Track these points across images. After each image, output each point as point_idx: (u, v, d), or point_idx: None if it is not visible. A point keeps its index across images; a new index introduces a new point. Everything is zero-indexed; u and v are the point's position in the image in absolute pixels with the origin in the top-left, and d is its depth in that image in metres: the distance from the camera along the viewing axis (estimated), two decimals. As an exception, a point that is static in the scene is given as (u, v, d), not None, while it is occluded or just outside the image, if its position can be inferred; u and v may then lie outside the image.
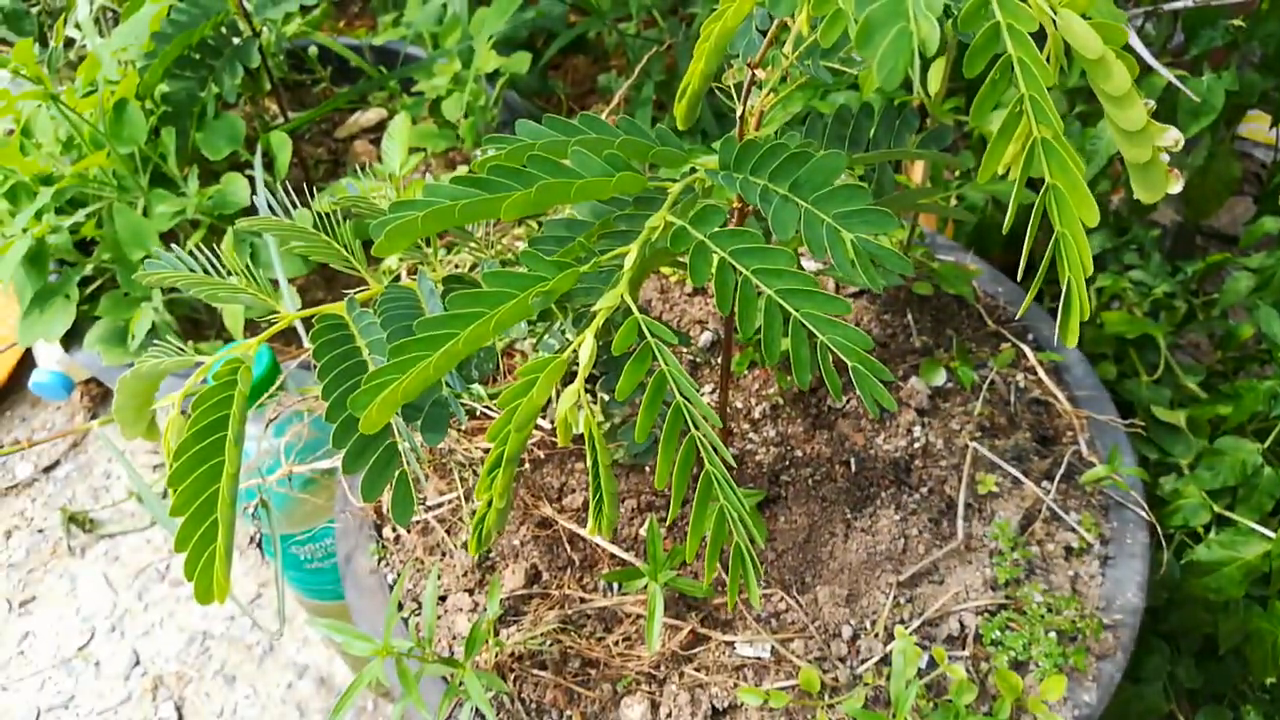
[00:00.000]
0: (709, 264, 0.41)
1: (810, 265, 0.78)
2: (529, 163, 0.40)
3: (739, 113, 0.46)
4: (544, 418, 0.69)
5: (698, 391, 0.41)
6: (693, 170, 0.44)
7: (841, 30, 0.33)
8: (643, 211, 0.43)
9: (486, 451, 0.69)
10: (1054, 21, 0.34)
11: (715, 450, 0.41)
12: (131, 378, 0.50)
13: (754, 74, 0.45)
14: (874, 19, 0.32)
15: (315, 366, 0.47)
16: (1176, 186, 0.38)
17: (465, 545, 0.65)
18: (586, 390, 0.61)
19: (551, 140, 0.43)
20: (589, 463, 0.41)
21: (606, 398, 0.54)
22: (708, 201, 0.43)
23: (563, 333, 0.53)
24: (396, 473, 0.47)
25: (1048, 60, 0.35)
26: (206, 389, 0.46)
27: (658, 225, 0.42)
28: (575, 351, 0.40)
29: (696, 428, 0.40)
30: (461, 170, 1.07)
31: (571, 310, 0.51)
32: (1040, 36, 0.35)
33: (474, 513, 0.66)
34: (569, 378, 0.40)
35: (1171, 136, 0.36)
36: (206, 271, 0.54)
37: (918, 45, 0.31)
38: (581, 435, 0.42)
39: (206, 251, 0.55)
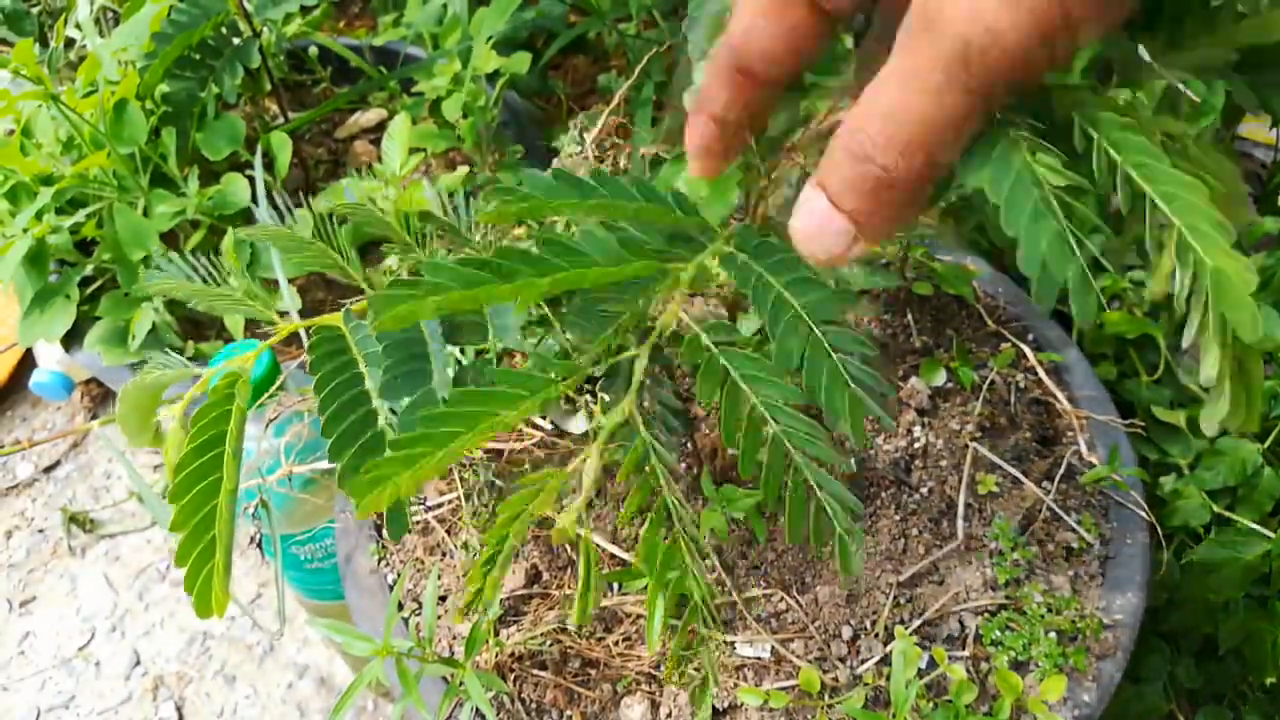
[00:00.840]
0: (717, 382, 0.39)
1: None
2: (541, 245, 0.39)
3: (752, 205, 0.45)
4: (543, 417, 0.69)
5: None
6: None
7: None
8: (645, 287, 0.42)
9: (487, 452, 0.69)
10: None
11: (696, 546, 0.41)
12: (134, 389, 0.50)
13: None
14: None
15: (313, 378, 0.47)
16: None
17: (465, 545, 0.65)
18: (588, 392, 0.61)
19: (563, 197, 0.41)
20: (580, 568, 0.41)
21: (608, 398, 0.54)
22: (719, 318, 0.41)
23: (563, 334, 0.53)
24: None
25: None
26: (204, 404, 0.46)
27: (669, 324, 0.40)
28: (579, 470, 0.40)
29: (692, 557, 0.41)
30: (462, 170, 1.07)
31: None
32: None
33: (474, 513, 0.66)
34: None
35: None
36: (206, 280, 0.54)
37: None
38: (587, 432, 0.42)
39: (206, 261, 0.55)
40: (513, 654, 0.59)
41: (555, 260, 0.39)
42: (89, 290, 1.01)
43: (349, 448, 0.46)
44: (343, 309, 0.51)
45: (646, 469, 0.40)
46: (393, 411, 0.47)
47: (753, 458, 0.40)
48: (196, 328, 1.02)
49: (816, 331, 0.38)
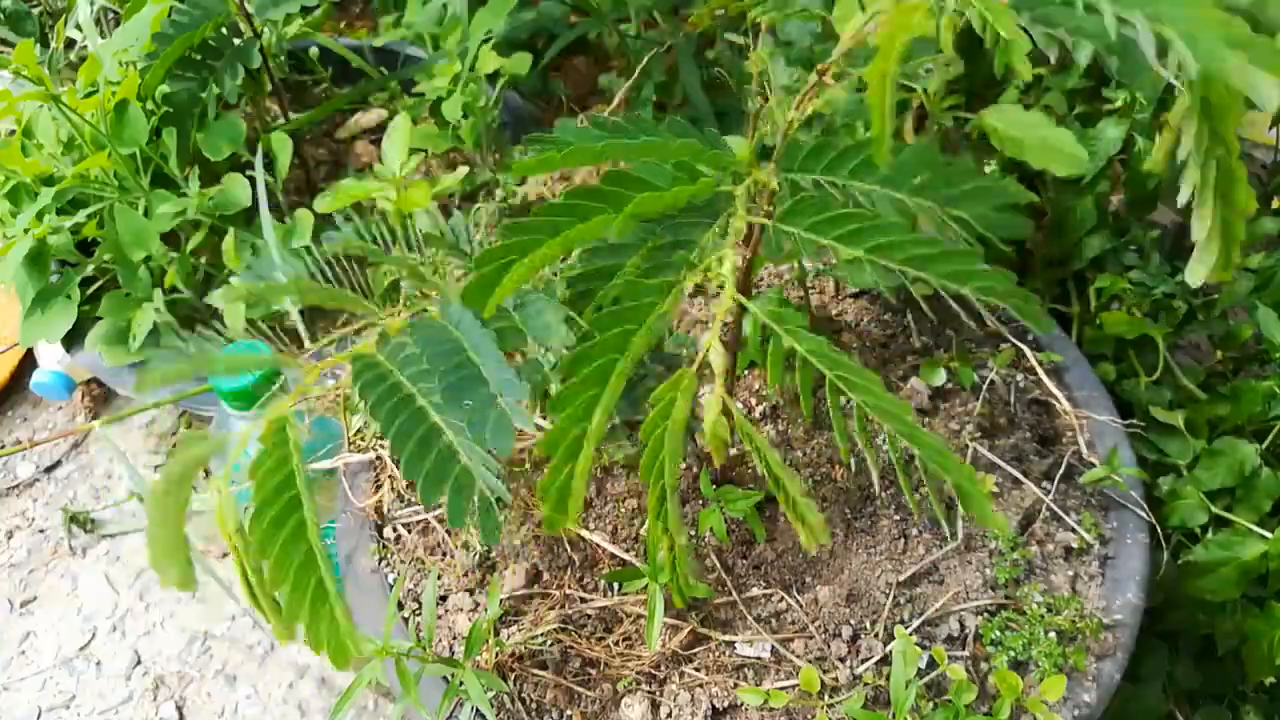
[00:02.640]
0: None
1: (807, 264, 0.78)
2: (608, 180, 0.39)
3: (753, 112, 0.45)
4: (542, 417, 0.69)
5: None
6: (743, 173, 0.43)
7: None
8: (692, 220, 0.43)
9: (486, 452, 0.69)
10: None
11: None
12: (161, 488, 0.41)
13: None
14: None
15: (364, 406, 0.47)
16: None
17: (465, 545, 0.65)
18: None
19: (610, 144, 0.41)
20: (761, 466, 0.40)
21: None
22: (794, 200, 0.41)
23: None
24: (477, 496, 0.46)
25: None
26: (261, 453, 0.44)
27: (741, 227, 0.41)
28: (706, 359, 0.39)
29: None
30: (462, 171, 1.07)
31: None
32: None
33: (474, 513, 0.66)
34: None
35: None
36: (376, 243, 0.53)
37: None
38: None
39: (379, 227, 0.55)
40: (513, 654, 0.59)
41: (628, 191, 0.39)
42: (90, 290, 1.01)
43: (420, 460, 0.46)
44: (378, 337, 0.50)
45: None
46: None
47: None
48: (197, 328, 1.02)
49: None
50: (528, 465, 0.67)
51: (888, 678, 0.56)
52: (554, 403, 0.41)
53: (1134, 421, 0.73)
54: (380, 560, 0.66)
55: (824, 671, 0.57)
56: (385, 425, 0.46)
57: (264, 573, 0.40)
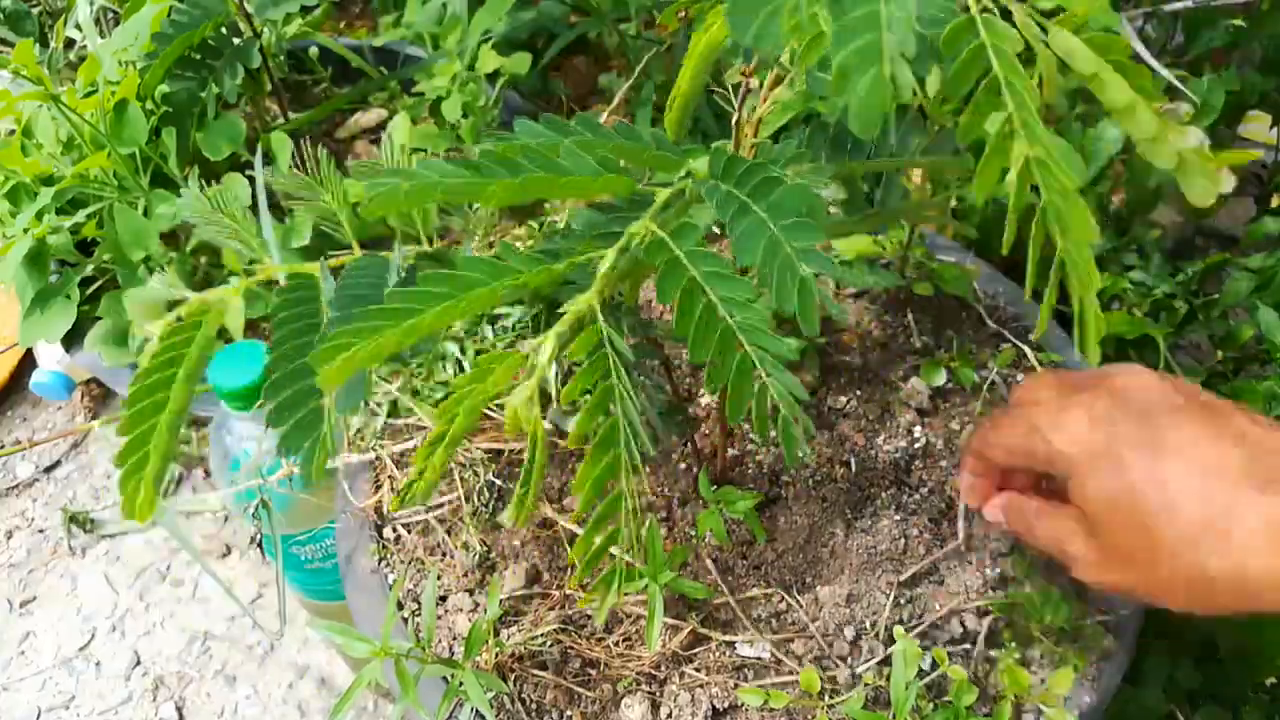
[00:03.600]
0: (679, 282, 0.40)
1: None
2: (522, 155, 0.40)
3: (734, 119, 0.46)
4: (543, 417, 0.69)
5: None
6: (687, 175, 0.44)
7: (820, 53, 0.33)
8: (635, 214, 0.43)
9: (487, 452, 0.69)
10: (1044, 41, 0.34)
11: (634, 473, 0.41)
12: (141, 294, 0.52)
13: (748, 82, 0.45)
14: (848, 64, 0.32)
15: (273, 320, 0.49)
16: (1228, 185, 0.37)
17: (465, 545, 0.65)
18: (586, 392, 0.61)
19: (547, 140, 0.43)
20: (527, 458, 0.41)
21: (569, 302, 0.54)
22: (693, 218, 0.42)
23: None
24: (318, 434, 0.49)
25: (1040, 79, 0.35)
26: (173, 326, 0.48)
27: (638, 232, 0.41)
28: (535, 350, 0.40)
29: (625, 447, 0.41)
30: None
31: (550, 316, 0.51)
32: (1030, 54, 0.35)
33: (474, 513, 0.66)
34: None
35: (1193, 138, 0.36)
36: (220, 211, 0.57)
37: (892, 90, 0.31)
38: (585, 435, 0.42)
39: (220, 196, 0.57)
40: (513, 654, 0.59)
41: (531, 167, 0.40)
42: (89, 290, 1.01)
43: (288, 387, 0.48)
44: (320, 258, 0.52)
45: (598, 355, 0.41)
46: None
47: (706, 350, 0.40)
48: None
49: (776, 231, 0.40)
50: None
51: (888, 678, 0.56)
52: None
53: (1135, 421, 0.72)
54: (380, 560, 0.66)
55: (824, 671, 0.57)
56: (279, 341, 0.49)
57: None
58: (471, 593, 0.63)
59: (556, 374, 0.40)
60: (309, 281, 0.52)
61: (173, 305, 0.49)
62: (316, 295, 0.51)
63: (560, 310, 0.40)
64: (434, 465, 0.41)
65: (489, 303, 0.39)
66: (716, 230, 0.48)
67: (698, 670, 0.58)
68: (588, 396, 0.41)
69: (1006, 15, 0.34)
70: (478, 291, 0.39)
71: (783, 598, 0.60)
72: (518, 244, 0.40)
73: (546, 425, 0.69)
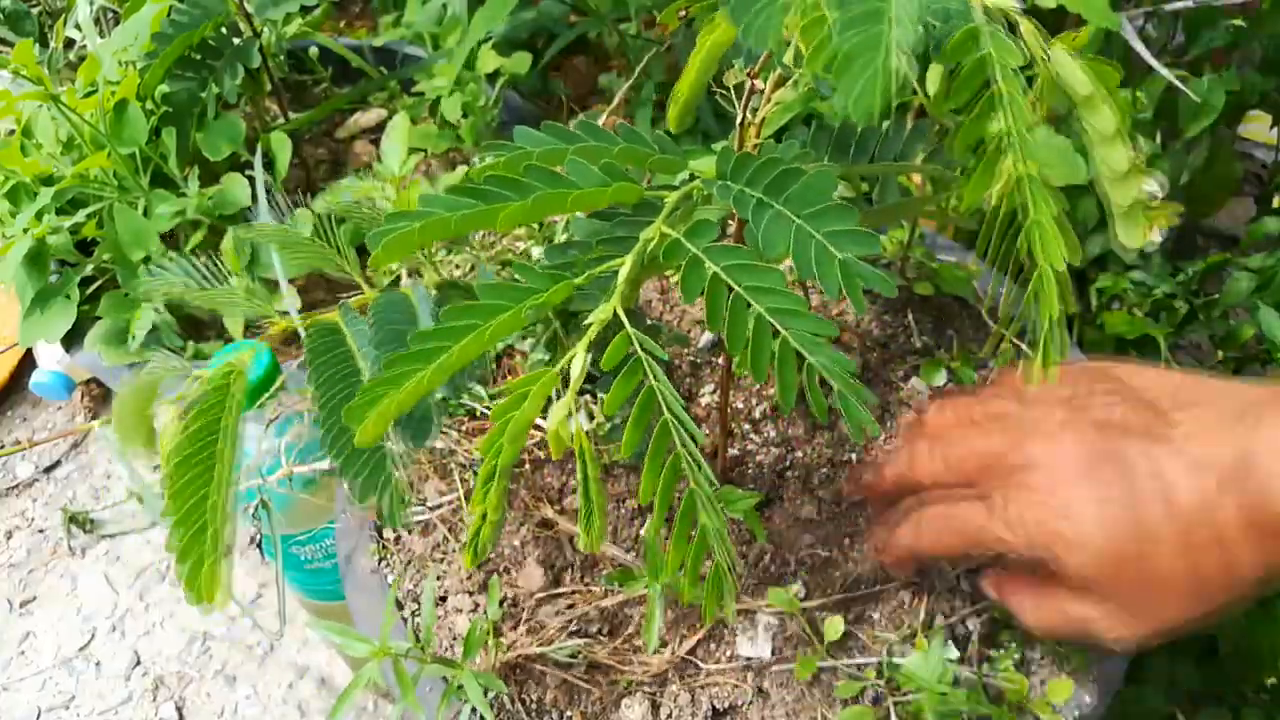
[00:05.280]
0: (702, 280, 0.40)
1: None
2: (526, 172, 0.40)
3: (738, 120, 0.46)
4: (543, 417, 0.69)
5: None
6: (691, 177, 0.43)
7: (827, 59, 0.33)
8: (641, 218, 0.43)
9: (486, 452, 0.69)
10: (1045, 57, 0.35)
11: (699, 467, 0.41)
12: (129, 391, 0.50)
13: (753, 82, 0.45)
14: (850, 51, 0.32)
15: (309, 375, 0.48)
16: (1156, 238, 0.39)
17: (465, 547, 0.65)
18: (587, 393, 0.61)
19: (550, 149, 0.42)
20: (579, 476, 0.40)
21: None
22: (702, 216, 0.42)
23: (553, 342, 0.53)
24: (388, 478, 0.47)
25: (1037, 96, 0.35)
26: (201, 396, 0.46)
27: (653, 237, 0.41)
28: (567, 365, 0.40)
29: (683, 445, 0.40)
30: (461, 170, 1.07)
31: (568, 322, 0.51)
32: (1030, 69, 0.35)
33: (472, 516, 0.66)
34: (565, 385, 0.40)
35: (1153, 186, 0.37)
36: (206, 279, 0.54)
37: (892, 81, 0.31)
38: (588, 432, 0.41)
39: (206, 260, 0.55)
40: (514, 654, 0.59)
41: (538, 185, 0.39)
42: (89, 290, 1.01)
43: (344, 437, 0.46)
44: (339, 304, 0.51)
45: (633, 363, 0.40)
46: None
47: (741, 339, 0.40)
48: (197, 328, 1.02)
49: (799, 222, 0.39)
50: (528, 466, 0.67)
51: (889, 679, 0.56)
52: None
53: (1135, 422, 0.72)
54: (380, 560, 0.66)
55: (824, 672, 0.57)
56: (322, 395, 0.47)
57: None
58: (471, 593, 0.63)
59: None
60: (332, 327, 0.51)
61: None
62: (343, 340, 0.50)
63: (587, 322, 0.40)
64: (493, 505, 0.41)
65: (514, 326, 0.39)
66: (719, 228, 0.48)
67: (698, 670, 0.58)
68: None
69: (1013, 29, 0.35)
70: (501, 318, 0.39)
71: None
72: (518, 244, 0.40)
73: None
